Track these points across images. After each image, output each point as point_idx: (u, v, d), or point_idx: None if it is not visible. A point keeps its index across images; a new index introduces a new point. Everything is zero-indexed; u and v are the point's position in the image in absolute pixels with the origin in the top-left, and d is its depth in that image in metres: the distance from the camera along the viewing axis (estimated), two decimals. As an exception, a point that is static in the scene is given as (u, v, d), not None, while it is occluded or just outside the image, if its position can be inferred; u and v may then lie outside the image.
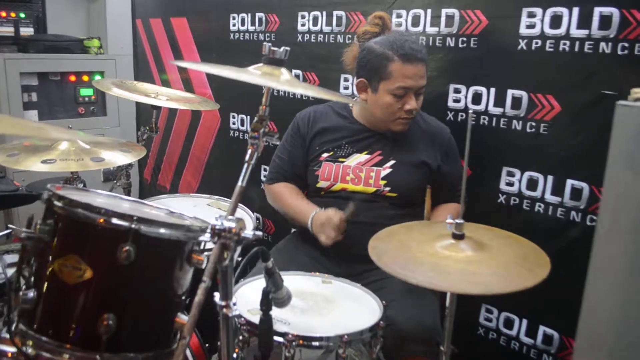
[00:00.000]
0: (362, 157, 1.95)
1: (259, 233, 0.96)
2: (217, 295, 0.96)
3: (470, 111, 1.70)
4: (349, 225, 1.80)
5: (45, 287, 1.15)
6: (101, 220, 1.11)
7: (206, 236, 1.01)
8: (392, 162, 1.92)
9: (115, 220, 1.10)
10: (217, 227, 0.91)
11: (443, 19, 2.08)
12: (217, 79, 3.18)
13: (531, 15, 1.85)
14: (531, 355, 1.99)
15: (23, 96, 3.47)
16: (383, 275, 1.83)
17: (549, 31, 1.81)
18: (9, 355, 1.32)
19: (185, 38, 3.35)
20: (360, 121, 1.99)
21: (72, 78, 3.70)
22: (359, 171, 1.93)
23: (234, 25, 2.99)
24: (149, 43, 3.71)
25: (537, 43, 1.85)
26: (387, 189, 1.90)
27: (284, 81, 1.13)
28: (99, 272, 1.12)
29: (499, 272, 1.19)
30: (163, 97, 2.20)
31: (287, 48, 1.16)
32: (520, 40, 1.88)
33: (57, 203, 1.14)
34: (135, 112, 3.93)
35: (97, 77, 3.74)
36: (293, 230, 2.19)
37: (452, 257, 1.24)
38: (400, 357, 1.61)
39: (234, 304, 0.96)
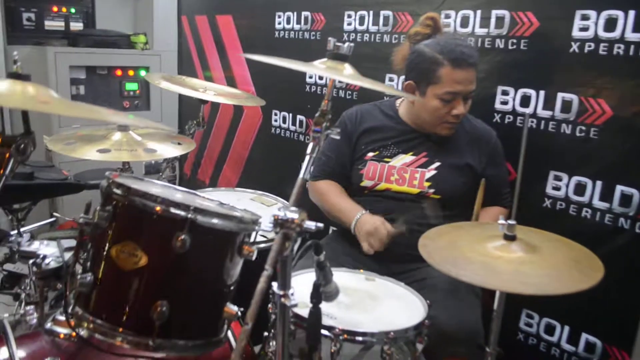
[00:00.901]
0: (408, 158, 1.95)
1: (321, 225, 0.98)
2: (275, 285, 0.97)
3: (527, 111, 1.68)
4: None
5: (101, 272, 1.19)
6: (158, 208, 1.14)
7: (264, 226, 1.02)
8: (437, 164, 1.92)
9: (172, 210, 1.13)
10: (280, 217, 0.93)
11: (493, 20, 2.07)
12: (260, 77, 3.23)
13: (585, 17, 1.82)
14: (573, 363, 1.96)
15: (71, 89, 3.57)
16: (424, 275, 1.84)
17: (602, 34, 1.78)
18: (61, 336, 1.37)
19: (230, 35, 3.41)
20: (407, 122, 1.99)
21: (119, 72, 3.79)
22: (404, 172, 1.93)
23: (279, 23, 3.03)
24: (194, 40, 3.78)
25: (590, 46, 1.82)
26: (431, 190, 1.90)
27: (347, 75, 1.14)
28: (154, 260, 1.15)
29: (551, 274, 1.19)
30: (211, 92, 2.24)
31: (352, 44, 1.17)
32: (573, 43, 1.86)
33: (116, 190, 1.17)
34: (177, 107, 4.01)
35: (143, 72, 3.83)
36: (332, 229, 2.20)
37: (504, 257, 1.23)
38: (442, 357, 1.61)
39: (292, 294, 0.98)
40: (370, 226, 1.80)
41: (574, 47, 1.86)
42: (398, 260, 1.87)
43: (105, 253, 1.17)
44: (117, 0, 3.92)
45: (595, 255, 1.30)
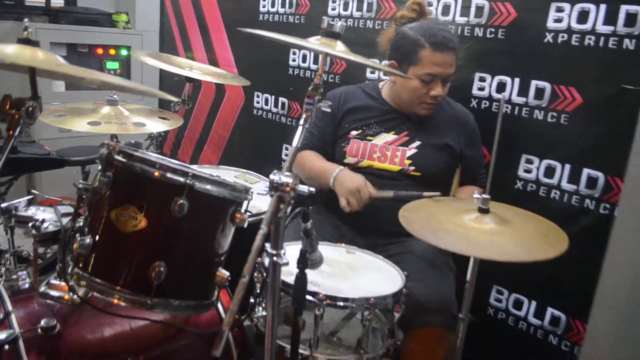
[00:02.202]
0: (390, 136, 2.04)
1: (313, 189, 1.05)
2: (268, 246, 1.04)
3: (502, 95, 1.77)
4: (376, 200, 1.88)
5: (101, 235, 1.24)
6: (157, 174, 1.20)
7: (261, 190, 1.09)
8: (417, 142, 2.01)
9: (172, 175, 1.19)
10: (276, 181, 1.00)
11: (473, 9, 2.16)
12: (243, 59, 3.27)
13: (559, 9, 1.92)
14: (538, 335, 2.08)
15: (52, 66, 3.55)
16: (402, 249, 1.94)
17: (575, 26, 1.89)
18: (54, 299, 1.41)
19: (214, 17, 3.43)
20: (389, 102, 2.08)
21: (100, 51, 3.78)
22: (386, 150, 2.02)
23: (263, 6, 3.07)
24: (177, 21, 3.79)
25: (563, 37, 1.92)
26: (412, 168, 1.99)
27: (340, 50, 1.21)
28: (153, 222, 1.21)
29: (521, 244, 1.28)
30: (197, 71, 2.28)
31: (344, 23, 1.24)
32: (547, 34, 1.96)
33: (117, 157, 1.23)
34: (158, 87, 4.02)
35: (124, 52, 3.83)
36: (312, 207, 2.27)
37: (478, 228, 1.33)
38: (417, 326, 1.70)
39: (284, 253, 1.05)
40: (353, 185, 1.86)
41: (549, 37, 1.96)
42: (379, 234, 1.96)
43: (105, 216, 1.22)
44: (99, -22, 3.91)
45: (561, 229, 1.40)
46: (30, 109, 1.12)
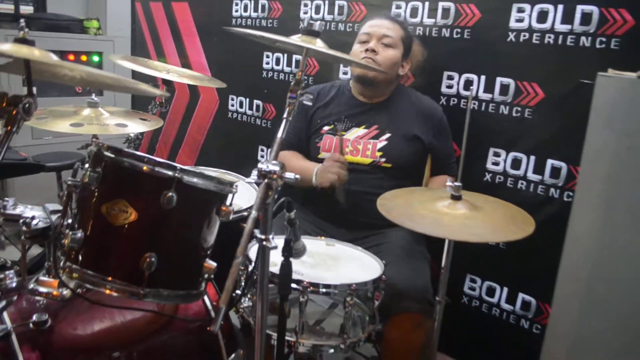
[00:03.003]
0: (361, 131, 2.12)
1: (298, 176, 1.11)
2: (257, 231, 1.10)
3: (470, 91, 1.87)
4: (350, 193, 1.96)
5: (92, 229, 1.28)
6: (146, 168, 1.25)
7: (250, 179, 1.15)
8: (387, 135, 2.09)
9: (160, 169, 1.24)
10: (264, 169, 1.06)
11: (439, 11, 2.26)
12: (216, 63, 3.32)
13: (520, 10, 2.04)
14: (510, 320, 2.18)
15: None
16: (379, 241, 2.01)
17: (536, 25, 2.01)
18: (43, 295, 1.44)
19: (186, 22, 3.48)
20: (358, 98, 2.18)
21: (71, 57, 3.78)
22: (357, 144, 2.10)
23: (236, 11, 3.13)
24: (148, 26, 3.82)
25: (524, 36, 2.04)
26: (383, 159, 2.07)
27: (319, 46, 1.28)
28: (143, 215, 1.25)
29: (492, 227, 1.38)
30: (174, 73, 2.32)
31: (322, 22, 1.31)
32: (510, 33, 2.07)
33: (107, 153, 1.27)
34: (130, 95, 4.03)
35: (96, 58, 3.84)
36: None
37: (451, 213, 1.42)
38: (396, 313, 1.78)
39: (272, 238, 1.11)
40: (326, 163, 2.00)
41: (511, 36, 2.07)
42: (357, 227, 2.04)
43: (95, 211, 1.26)
44: (68, -15, 3.91)
45: (527, 213, 1.50)
46: (27, 105, 1.16)
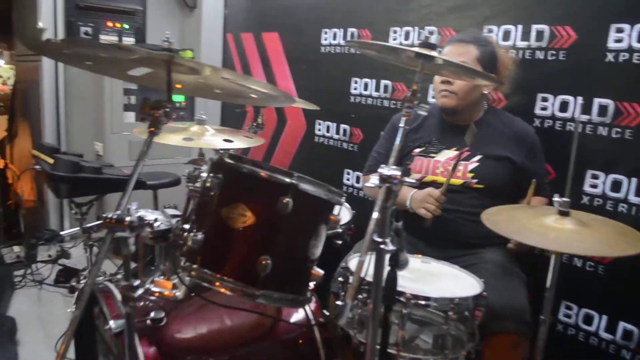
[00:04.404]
0: (451, 152, 2.14)
1: (418, 182, 1.16)
2: (375, 234, 1.14)
3: (577, 117, 1.86)
4: (443, 212, 1.97)
5: (212, 231, 1.36)
6: (265, 174, 1.32)
7: (374, 180, 1.19)
8: (478, 157, 2.10)
9: (278, 176, 1.32)
10: (385, 173, 1.11)
11: (533, 34, 2.27)
12: (305, 90, 3.44)
13: (619, 30, 2.01)
14: (610, 350, 2.09)
15: (124, 98, 3.80)
16: (473, 261, 2.00)
17: (636, 45, 1.97)
18: (156, 295, 1.53)
19: (276, 51, 3.64)
20: (447, 119, 2.20)
21: (166, 85, 4.01)
22: (448, 165, 2.11)
23: (325, 39, 3.26)
24: (239, 56, 4.02)
25: (624, 56, 2.01)
26: (474, 180, 2.08)
27: (438, 59, 1.33)
28: (260, 219, 1.32)
29: (602, 241, 1.35)
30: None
31: (440, 35, 1.37)
32: (608, 54, 2.05)
33: (228, 160, 1.36)
34: (220, 118, 4.23)
35: (189, 86, 4.06)
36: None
37: (559, 228, 1.40)
38: (493, 333, 1.75)
39: (390, 241, 1.14)
40: (423, 193, 2.01)
41: (610, 57, 2.04)
42: (451, 246, 2.04)
43: (216, 214, 1.35)
44: (167, 17, 4.18)
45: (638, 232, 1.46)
46: (167, 109, 1.28)
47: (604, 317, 2.12)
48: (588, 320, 2.17)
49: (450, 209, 2.03)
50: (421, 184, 2.13)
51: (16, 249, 3.68)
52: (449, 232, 2.04)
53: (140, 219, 1.32)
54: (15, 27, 4.71)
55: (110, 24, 3.99)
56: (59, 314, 2.90)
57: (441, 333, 1.63)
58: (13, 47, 5.07)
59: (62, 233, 3.61)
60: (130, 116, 3.85)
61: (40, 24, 3.70)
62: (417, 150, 2.19)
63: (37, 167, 2.89)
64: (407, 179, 1.12)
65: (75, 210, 2.86)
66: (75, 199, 2.89)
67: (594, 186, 2.12)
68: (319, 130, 3.37)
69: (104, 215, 1.20)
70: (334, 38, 3.20)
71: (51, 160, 2.73)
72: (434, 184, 2.11)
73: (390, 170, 1.11)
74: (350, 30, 3.08)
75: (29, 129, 4.28)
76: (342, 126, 3.21)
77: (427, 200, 1.98)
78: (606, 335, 2.11)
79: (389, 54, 1.66)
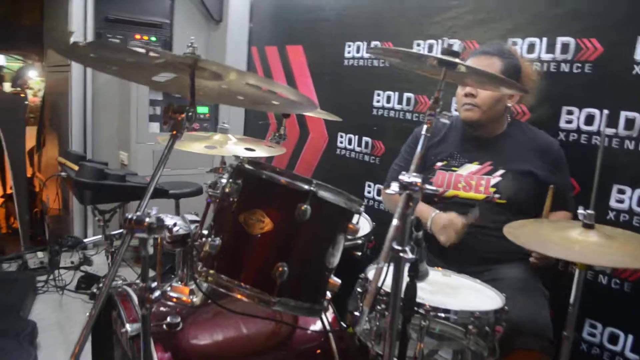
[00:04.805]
0: (474, 167, 2.11)
1: (437, 189, 1.14)
2: (395, 242, 1.12)
3: (602, 130, 1.83)
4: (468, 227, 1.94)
5: (230, 236, 1.36)
6: (284, 181, 1.32)
7: (394, 187, 1.18)
8: (501, 171, 2.06)
9: (297, 183, 1.31)
10: (405, 180, 1.10)
11: (558, 46, 2.24)
12: (327, 102, 3.44)
13: (647, 42, 1.98)
14: (636, 371, 2.03)
15: (149, 109, 3.85)
16: (494, 276, 1.96)
17: (665, 57, 1.94)
18: (174, 300, 1.52)
19: (300, 64, 3.66)
20: (470, 132, 2.17)
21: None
22: (470, 179, 2.08)
23: (348, 52, 3.27)
24: (263, 69, 4.06)
25: (652, 68, 1.97)
26: (497, 195, 2.04)
27: (461, 66, 1.32)
28: (278, 226, 1.32)
29: (628, 254, 1.31)
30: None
31: (463, 43, 1.36)
32: (635, 66, 2.01)
33: (248, 166, 1.37)
34: (243, 129, 4.26)
35: (213, 97, 4.10)
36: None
37: (583, 241, 1.37)
38: (515, 349, 1.71)
39: (410, 250, 1.13)
40: (445, 220, 1.96)
41: (637, 69, 2.01)
42: (472, 262, 2.00)
43: (234, 220, 1.35)
44: (194, 30, 4.22)
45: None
46: (190, 113, 1.30)
47: (630, 337, 2.06)
48: (613, 339, 2.11)
49: (472, 225, 1.99)
50: (442, 198, 2.12)
51: (40, 255, 3.74)
52: (470, 248, 1.99)
53: (159, 219, 1.32)
54: (45, 34, 4.84)
55: (138, 36, 4.06)
56: (79, 319, 2.93)
57: (461, 348, 1.60)
58: (43, 59, 5.19)
59: (85, 240, 3.66)
60: (155, 126, 3.90)
61: (70, 29, 3.79)
62: (439, 164, 2.17)
63: (63, 173, 2.94)
64: (427, 187, 1.10)
65: (99, 217, 2.89)
66: (99, 205, 2.92)
67: (620, 201, 2.07)
68: (341, 142, 3.37)
69: (124, 216, 1.21)
70: (357, 51, 3.20)
71: (76, 167, 2.77)
72: (456, 198, 2.09)
73: (411, 177, 1.09)
74: (374, 43, 3.09)
75: (57, 139, 4.36)
76: (364, 139, 3.21)
77: (449, 229, 1.94)
78: (632, 356, 2.04)
79: (412, 62, 1.66)
